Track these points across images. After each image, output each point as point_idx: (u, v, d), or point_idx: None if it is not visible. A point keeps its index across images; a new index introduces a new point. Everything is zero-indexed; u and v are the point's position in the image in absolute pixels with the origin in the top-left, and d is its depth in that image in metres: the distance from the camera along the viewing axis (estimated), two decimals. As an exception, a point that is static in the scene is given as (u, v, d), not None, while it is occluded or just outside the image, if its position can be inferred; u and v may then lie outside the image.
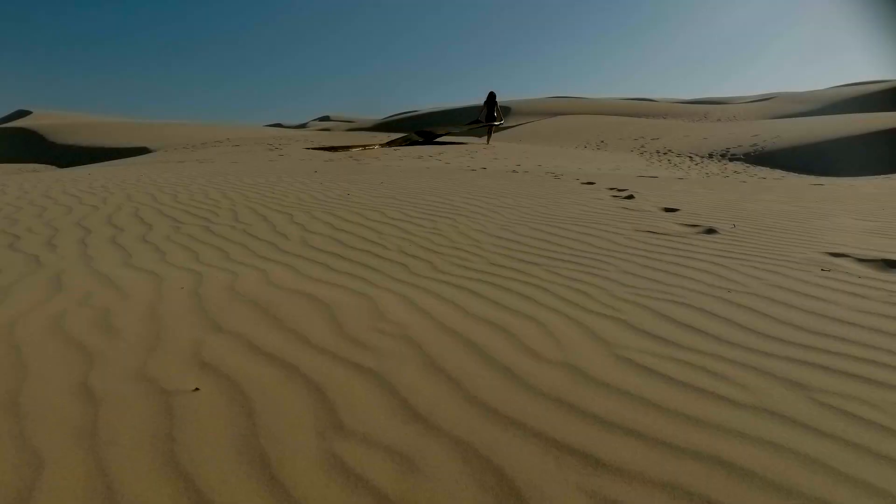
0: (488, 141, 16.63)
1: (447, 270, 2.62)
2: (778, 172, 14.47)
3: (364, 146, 15.00)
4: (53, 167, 18.32)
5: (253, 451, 1.22)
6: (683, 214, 4.12)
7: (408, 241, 3.21)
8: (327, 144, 15.49)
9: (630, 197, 5.05)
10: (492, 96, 15.86)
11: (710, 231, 3.49)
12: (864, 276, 2.51)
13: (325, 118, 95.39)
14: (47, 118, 54.63)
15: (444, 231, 3.47)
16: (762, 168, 15.40)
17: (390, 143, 16.19)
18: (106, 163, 15.24)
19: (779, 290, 2.30)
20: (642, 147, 19.31)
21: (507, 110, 43.19)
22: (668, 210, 4.33)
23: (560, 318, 2.00)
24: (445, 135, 17.68)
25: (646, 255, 2.89)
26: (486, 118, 16.17)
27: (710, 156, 17.31)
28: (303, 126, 79.50)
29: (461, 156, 12.42)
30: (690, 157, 17.22)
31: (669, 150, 18.36)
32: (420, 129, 18.45)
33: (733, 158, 16.80)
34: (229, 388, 1.48)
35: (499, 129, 17.18)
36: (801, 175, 13.59)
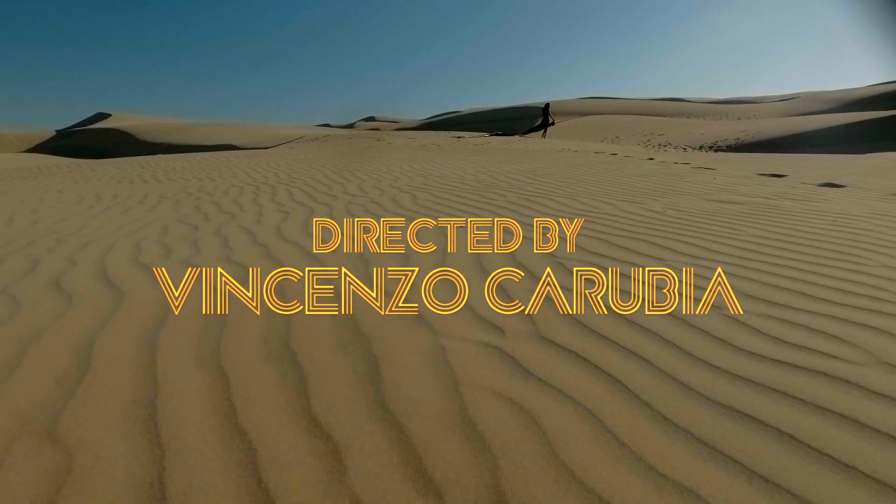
0: (544, 136, 22.14)
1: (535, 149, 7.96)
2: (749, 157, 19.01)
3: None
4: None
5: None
6: (619, 155, 9.36)
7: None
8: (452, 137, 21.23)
9: (600, 152, 10.24)
10: (546, 106, 21.64)
11: (627, 157, 8.71)
12: (663, 162, 7.69)
13: (371, 118, 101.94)
14: (126, 120, 61.93)
15: (521, 158, 8.81)
16: (737, 154, 19.91)
17: (492, 135, 21.88)
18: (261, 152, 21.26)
19: (636, 169, 7.53)
20: (648, 141, 23.99)
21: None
22: (612, 154, 9.58)
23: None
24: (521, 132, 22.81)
25: (596, 163, 8.14)
26: (542, 122, 21.96)
27: (700, 147, 21.88)
28: (350, 126, 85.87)
29: (503, 144, 17.69)
30: (684, 148, 21.81)
31: (669, 144, 22.98)
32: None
33: (717, 149, 21.34)
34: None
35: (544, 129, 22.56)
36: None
